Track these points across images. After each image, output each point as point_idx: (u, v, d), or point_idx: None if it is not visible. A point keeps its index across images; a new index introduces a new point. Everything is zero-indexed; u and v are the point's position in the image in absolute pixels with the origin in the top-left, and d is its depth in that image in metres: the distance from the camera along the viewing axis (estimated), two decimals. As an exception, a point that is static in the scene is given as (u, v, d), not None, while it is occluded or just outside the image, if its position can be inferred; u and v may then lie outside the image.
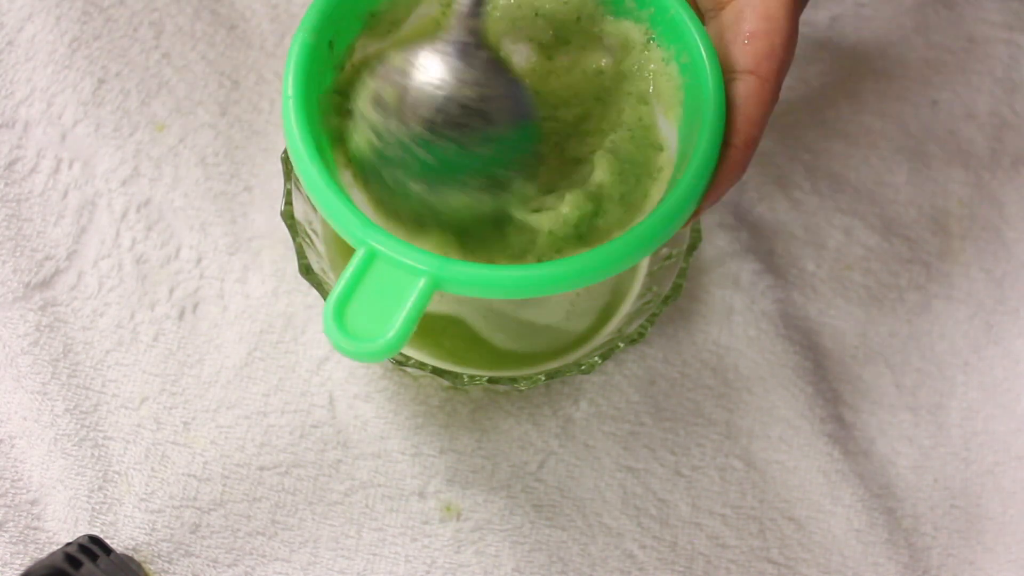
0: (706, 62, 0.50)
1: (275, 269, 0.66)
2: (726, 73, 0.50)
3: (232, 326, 0.65)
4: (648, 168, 0.53)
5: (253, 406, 0.63)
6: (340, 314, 0.44)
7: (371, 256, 0.46)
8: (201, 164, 0.68)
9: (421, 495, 0.62)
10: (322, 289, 0.56)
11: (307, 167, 0.48)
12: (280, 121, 0.69)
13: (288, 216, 0.57)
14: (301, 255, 0.57)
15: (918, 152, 0.73)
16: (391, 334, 0.44)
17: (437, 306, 0.62)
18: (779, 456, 0.65)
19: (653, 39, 0.53)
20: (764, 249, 0.69)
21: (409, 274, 0.45)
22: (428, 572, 0.61)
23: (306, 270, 0.57)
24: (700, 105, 0.50)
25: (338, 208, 0.47)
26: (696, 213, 0.50)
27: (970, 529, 0.65)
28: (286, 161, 0.58)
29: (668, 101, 0.53)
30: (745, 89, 0.49)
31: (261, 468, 0.62)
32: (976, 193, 0.72)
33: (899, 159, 0.72)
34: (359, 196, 0.52)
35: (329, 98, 0.52)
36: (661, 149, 0.54)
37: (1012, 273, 0.70)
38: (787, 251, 0.69)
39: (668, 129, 0.53)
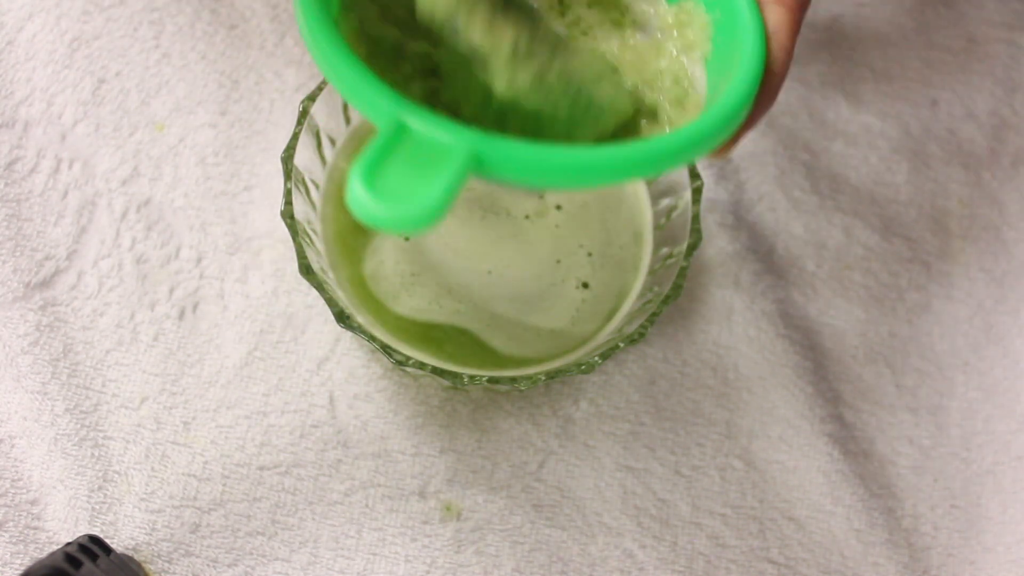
0: None
1: (275, 269, 0.66)
2: None
3: (232, 326, 0.65)
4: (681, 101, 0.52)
5: (253, 406, 0.63)
6: (370, 177, 0.38)
7: (400, 129, 0.40)
8: (201, 164, 0.68)
9: (421, 495, 0.62)
10: (322, 289, 0.56)
11: (319, 35, 0.43)
12: (280, 120, 0.69)
13: (288, 216, 0.57)
14: (301, 255, 0.57)
15: (918, 152, 0.73)
16: (432, 198, 0.38)
17: (438, 316, 0.62)
18: (779, 456, 0.65)
19: None
20: (764, 249, 0.69)
21: (444, 150, 0.40)
22: (428, 572, 0.61)
23: (306, 270, 0.57)
24: (734, 35, 0.50)
25: (356, 76, 0.42)
26: (736, 137, 0.49)
27: (970, 529, 0.65)
28: (286, 161, 0.58)
29: (694, 39, 0.53)
30: (775, 18, 0.50)
31: (261, 468, 0.62)
32: (976, 193, 0.72)
33: (899, 159, 0.73)
34: None
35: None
36: (691, 85, 0.52)
37: (1012, 273, 0.71)
38: (787, 251, 0.69)
39: (693, 67, 0.53)
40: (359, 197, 0.38)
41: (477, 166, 0.40)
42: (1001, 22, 0.76)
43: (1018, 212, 0.72)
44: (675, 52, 0.53)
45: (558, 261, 0.64)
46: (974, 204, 0.72)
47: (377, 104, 0.41)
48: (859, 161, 0.72)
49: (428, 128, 0.40)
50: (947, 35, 0.76)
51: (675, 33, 0.54)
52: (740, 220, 0.69)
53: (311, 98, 0.59)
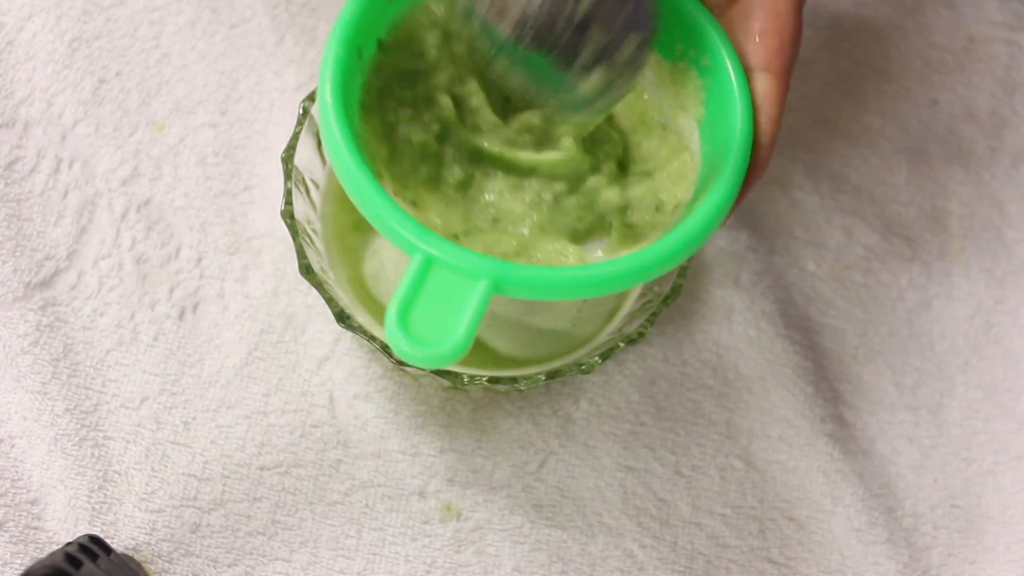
0: (730, 67, 0.51)
1: (275, 269, 0.66)
2: None
3: (232, 326, 0.65)
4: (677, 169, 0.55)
5: (253, 406, 0.63)
6: (404, 321, 0.44)
7: (428, 263, 0.45)
8: (201, 164, 0.68)
9: (421, 495, 0.62)
10: (322, 289, 0.56)
11: (356, 177, 0.48)
12: (280, 120, 0.69)
13: (288, 216, 0.57)
14: (301, 255, 0.57)
15: (918, 152, 0.73)
16: (458, 337, 0.44)
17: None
18: (779, 456, 0.65)
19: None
20: (764, 249, 0.69)
21: (468, 279, 0.45)
22: (428, 572, 0.61)
23: (306, 270, 0.56)
24: (724, 106, 0.51)
25: (390, 216, 0.47)
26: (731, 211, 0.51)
27: (970, 529, 0.65)
28: (286, 160, 0.58)
29: (688, 101, 0.54)
30: (763, 87, 0.51)
31: (261, 468, 0.62)
32: (976, 193, 0.72)
33: (899, 159, 0.73)
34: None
35: (360, 100, 0.52)
36: (686, 149, 0.55)
37: (1012, 273, 0.71)
38: (787, 251, 0.69)
39: (688, 128, 0.55)
40: (396, 339, 0.44)
41: (498, 290, 0.46)
42: (1002, 22, 0.76)
43: (1018, 212, 0.72)
44: (668, 111, 0.56)
45: (558, 262, 0.64)
46: (974, 204, 0.72)
47: (406, 239, 0.46)
48: (859, 161, 0.72)
49: (453, 259, 0.45)
50: (947, 35, 0.76)
51: (671, 91, 0.55)
52: (740, 220, 0.69)
53: (311, 98, 0.59)
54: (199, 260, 0.66)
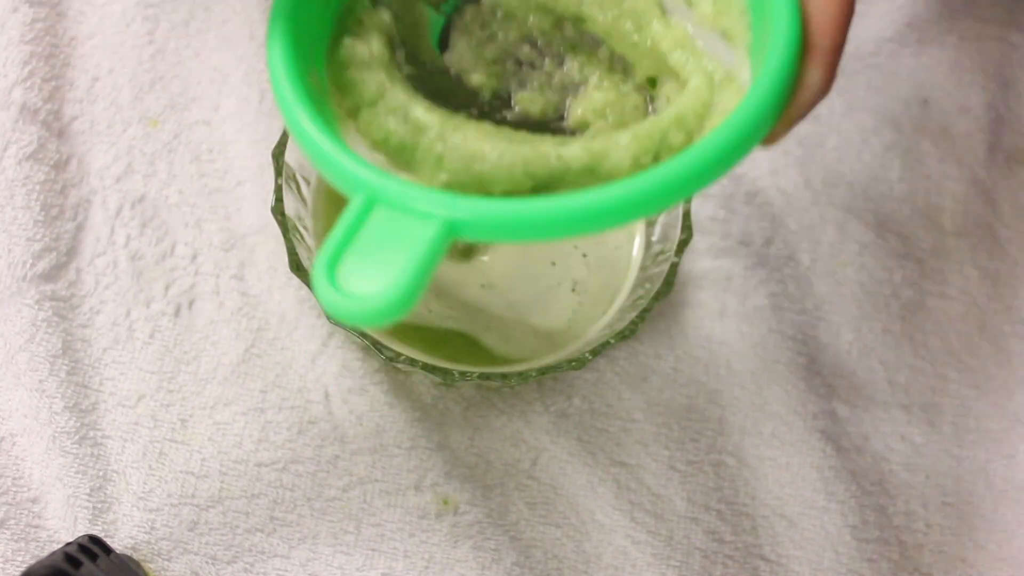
0: None
1: (270, 265, 0.66)
2: None
3: (228, 322, 0.65)
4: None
5: (250, 402, 0.63)
6: (332, 267, 0.36)
7: (370, 201, 0.38)
8: (195, 160, 0.68)
9: (418, 488, 0.62)
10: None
11: (289, 105, 0.41)
12: (272, 111, 0.69)
13: (279, 212, 0.57)
14: (292, 252, 0.57)
15: (911, 148, 0.73)
16: (398, 288, 0.35)
17: (432, 320, 0.62)
18: (771, 452, 0.65)
19: None
20: (758, 243, 0.69)
21: (417, 219, 0.37)
22: (427, 567, 0.61)
23: (296, 267, 0.57)
24: (769, 14, 0.43)
25: (326, 149, 0.40)
26: (777, 132, 0.43)
27: (962, 526, 0.66)
28: (277, 157, 0.58)
29: (733, 28, 0.46)
30: None
31: (259, 464, 0.62)
32: (970, 190, 0.72)
33: (892, 155, 0.72)
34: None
35: (330, 48, 0.47)
36: (733, 82, 0.46)
37: (1005, 270, 0.71)
38: (780, 247, 0.70)
39: (740, 60, 0.46)
40: (321, 288, 0.36)
41: (457, 232, 0.38)
42: (992, 19, 0.76)
43: (1011, 210, 0.72)
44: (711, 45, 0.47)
45: (553, 263, 0.64)
46: (968, 201, 0.72)
47: (346, 172, 0.39)
48: (853, 157, 0.72)
49: (397, 196, 0.38)
50: (938, 31, 0.76)
51: (711, 22, 0.47)
52: (733, 214, 0.69)
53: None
54: (194, 257, 0.66)
